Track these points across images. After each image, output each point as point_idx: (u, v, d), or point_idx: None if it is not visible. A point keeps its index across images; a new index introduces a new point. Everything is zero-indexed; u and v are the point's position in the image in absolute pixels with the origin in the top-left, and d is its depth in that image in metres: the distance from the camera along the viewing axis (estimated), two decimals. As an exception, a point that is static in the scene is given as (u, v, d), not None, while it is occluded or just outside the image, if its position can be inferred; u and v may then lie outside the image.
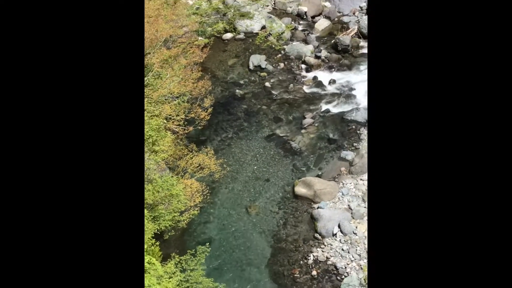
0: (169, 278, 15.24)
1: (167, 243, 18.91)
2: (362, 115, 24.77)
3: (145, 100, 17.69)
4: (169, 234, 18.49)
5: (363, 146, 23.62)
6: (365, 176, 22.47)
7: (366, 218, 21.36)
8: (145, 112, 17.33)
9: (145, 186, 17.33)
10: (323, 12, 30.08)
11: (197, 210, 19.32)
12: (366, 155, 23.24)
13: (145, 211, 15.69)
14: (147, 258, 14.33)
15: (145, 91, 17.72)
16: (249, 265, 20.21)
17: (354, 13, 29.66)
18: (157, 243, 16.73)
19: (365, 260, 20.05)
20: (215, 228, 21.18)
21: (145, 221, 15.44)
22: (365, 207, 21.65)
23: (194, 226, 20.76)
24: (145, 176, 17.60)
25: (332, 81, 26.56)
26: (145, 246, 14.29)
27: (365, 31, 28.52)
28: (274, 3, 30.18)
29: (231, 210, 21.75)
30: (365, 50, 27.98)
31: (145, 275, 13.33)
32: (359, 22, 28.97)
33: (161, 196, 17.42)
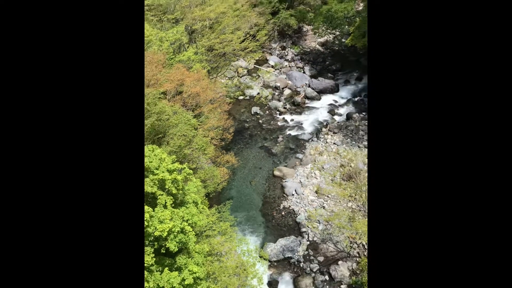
0: (212, 215, 15.13)
1: (211, 199, 18.72)
2: (307, 136, 25.03)
3: (200, 128, 17.76)
4: (212, 194, 18.33)
5: (307, 152, 23.83)
6: (308, 166, 22.70)
7: (308, 185, 21.67)
8: (200, 134, 17.38)
9: (200, 170, 17.47)
10: (287, 86, 29.91)
11: (226, 183, 19.23)
12: (309, 156, 23.51)
13: (200, 183, 15.78)
14: (202, 205, 13.38)
15: (199, 124, 17.73)
16: (251, 210, 20.47)
17: (302, 86, 29.79)
18: (206, 199, 16.56)
19: (308, 206, 20.27)
20: (234, 192, 21.38)
21: (201, 188, 15.46)
22: (307, 181, 21.97)
23: (223, 191, 20.70)
24: (200, 165, 17.75)
25: (291, 120, 26.67)
26: (200, 200, 13.48)
27: (309, 95, 28.53)
28: (263, 82, 30.32)
29: (242, 183, 21.95)
30: (309, 105, 27.98)
31: (200, 215, 12.38)
32: (305, 90, 29.09)
33: (208, 175, 17.63)
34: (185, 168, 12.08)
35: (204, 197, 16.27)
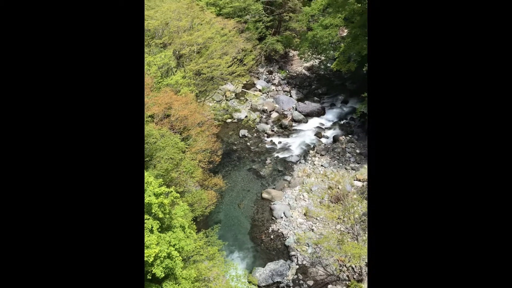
0: (199, 240, 14.86)
1: (199, 223, 18.48)
2: (294, 159, 25.09)
3: (188, 151, 17.58)
4: (199, 218, 18.06)
5: (295, 174, 23.82)
6: (297, 188, 22.60)
7: (297, 208, 21.51)
8: (188, 157, 17.19)
9: (188, 193, 17.20)
10: (275, 109, 30.20)
11: (214, 206, 19.02)
12: (297, 178, 23.47)
13: (187, 206, 15.52)
14: (189, 230, 13.27)
15: (186, 146, 17.57)
16: (239, 233, 20.16)
17: (289, 109, 30.09)
18: (194, 223, 16.28)
19: (297, 229, 20.06)
20: (222, 215, 21.08)
21: (189, 212, 15.19)
22: (296, 203, 21.81)
23: (211, 215, 20.39)
24: (187, 189, 17.49)
25: (279, 142, 26.78)
26: (187, 225, 13.32)
27: (296, 118, 28.82)
28: (251, 105, 30.55)
29: (230, 206, 21.67)
30: (296, 128, 28.21)
31: (187, 240, 12.15)
32: (292, 113, 29.37)
33: (196, 199, 17.36)
34: (172, 191, 11.87)
35: (192, 221, 15.97)
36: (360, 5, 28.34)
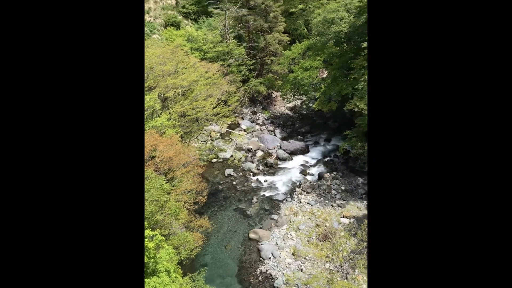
0: (186, 285, 14.43)
1: (184, 267, 17.92)
2: (281, 197, 24.95)
3: (172, 193, 17.30)
4: (185, 261, 17.50)
5: (282, 212, 23.58)
6: (284, 227, 22.27)
7: (285, 247, 21.05)
8: (173, 198, 16.93)
9: (173, 236, 16.73)
10: (260, 148, 30.42)
11: (200, 249, 18.54)
12: (284, 216, 23.19)
13: (173, 249, 15.07)
14: (174, 274, 13.05)
15: (171, 188, 17.32)
16: (226, 276, 19.46)
17: (274, 148, 30.35)
18: (179, 267, 15.80)
19: (286, 270, 19.53)
20: (209, 258, 20.44)
21: (174, 255, 14.74)
22: (284, 243, 21.38)
23: (197, 258, 19.81)
24: (172, 231, 17.03)
25: (265, 180, 26.73)
26: (173, 269, 12.86)
27: (281, 156, 29.02)
28: (236, 145, 30.73)
29: (216, 248, 21.10)
30: (281, 166, 28.33)
31: (173, 285, 11.70)
32: (277, 152, 29.59)
33: (181, 241, 16.90)
34: (157, 234, 11.58)
35: (177, 265, 15.49)
36: (338, 48, 29.79)
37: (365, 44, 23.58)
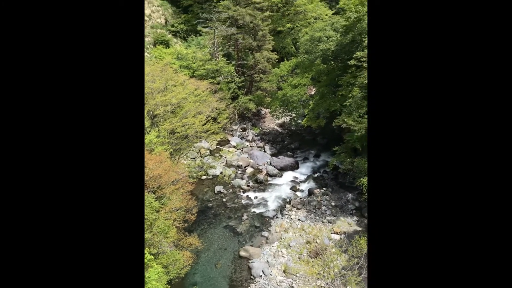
0: None
1: (174, 286, 17.55)
2: (271, 214, 24.79)
3: (161, 211, 17.07)
4: (175, 281, 17.20)
5: (273, 229, 23.38)
6: (275, 244, 22.04)
7: (276, 265, 20.79)
8: (162, 216, 16.68)
9: (162, 255, 16.42)
10: (249, 164, 30.38)
11: (189, 267, 18.25)
12: (274, 233, 22.97)
13: (162, 269, 14.78)
14: None
15: (160, 206, 17.10)
16: (217, 296, 19.13)
17: (264, 164, 30.36)
18: (169, 286, 15.44)
19: (277, 288, 19.23)
20: (199, 276, 20.03)
21: (163, 274, 14.45)
22: (275, 260, 21.14)
23: (187, 276, 19.42)
24: (161, 250, 16.72)
25: (255, 197, 26.59)
26: None
27: (271, 173, 28.98)
28: (226, 161, 30.63)
29: (206, 266, 20.73)
30: (271, 182, 28.25)
31: None
32: (267, 168, 29.57)
33: (170, 260, 16.59)
34: (145, 254, 11.33)
35: (167, 284, 15.15)
36: (325, 65, 30.34)
37: (352, 62, 24.08)
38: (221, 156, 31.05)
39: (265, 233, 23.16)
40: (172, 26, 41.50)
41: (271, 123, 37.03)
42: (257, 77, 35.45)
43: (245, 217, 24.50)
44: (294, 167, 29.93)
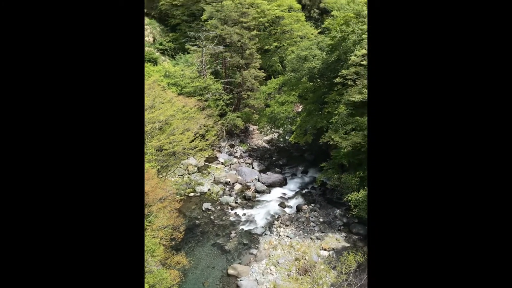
0: None
1: None
2: (260, 230, 24.61)
3: (148, 229, 16.81)
4: (161, 301, 16.68)
5: (261, 246, 23.17)
6: (263, 261, 21.81)
7: (264, 283, 20.51)
8: (149, 235, 16.45)
9: (149, 274, 16.06)
10: (238, 181, 30.31)
11: (177, 287, 17.77)
12: (263, 251, 22.76)
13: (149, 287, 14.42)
14: None
15: (147, 224, 16.84)
16: (205, 316, 18.67)
17: (252, 180, 30.30)
18: None
19: (266, 307, 18.91)
20: (186, 297, 19.70)
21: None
22: (263, 278, 20.87)
23: (175, 297, 19.01)
24: (148, 269, 16.39)
25: (243, 214, 26.43)
26: None
27: (259, 189, 28.93)
28: (214, 178, 30.49)
29: (194, 285, 20.26)
30: (260, 199, 28.16)
31: None
32: (255, 185, 29.52)
33: (157, 279, 16.22)
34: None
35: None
36: (312, 83, 30.90)
37: (337, 80, 24.61)
38: (209, 173, 30.90)
39: (254, 251, 22.93)
40: (160, 44, 41.81)
41: (259, 139, 37.20)
42: (245, 94, 35.77)
43: (233, 234, 24.26)
44: (282, 183, 29.97)
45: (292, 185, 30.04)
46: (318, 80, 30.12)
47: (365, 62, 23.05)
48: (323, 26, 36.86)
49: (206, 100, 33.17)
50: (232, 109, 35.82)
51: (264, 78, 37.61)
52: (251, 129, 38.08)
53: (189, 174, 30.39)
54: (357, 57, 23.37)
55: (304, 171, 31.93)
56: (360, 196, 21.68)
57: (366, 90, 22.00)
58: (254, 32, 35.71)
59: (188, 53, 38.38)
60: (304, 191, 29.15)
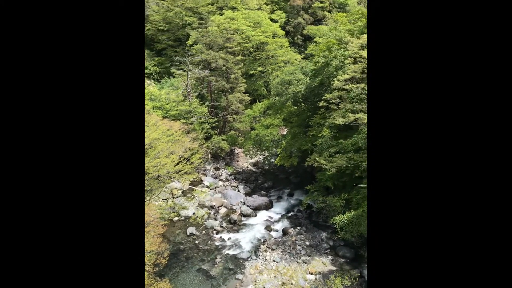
0: None
1: None
2: (245, 255, 24.22)
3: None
4: (143, 331, 16.12)
5: (247, 271, 22.76)
6: (249, 286, 21.36)
7: (250, 310, 19.96)
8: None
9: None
10: (223, 204, 30.04)
11: (159, 316, 17.33)
12: (249, 276, 22.32)
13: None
14: None
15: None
16: None
17: (237, 204, 30.07)
18: None
19: (252, 335, 18.33)
20: (170, 326, 18.97)
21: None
22: (250, 304, 20.33)
23: (158, 326, 18.29)
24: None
25: (229, 238, 26.06)
26: None
27: (245, 212, 28.70)
28: (198, 202, 30.12)
29: (178, 314, 19.75)
30: (245, 222, 27.89)
31: None
32: (240, 208, 29.28)
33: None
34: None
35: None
36: (296, 107, 31.43)
37: (321, 103, 25.12)
38: (194, 197, 30.53)
39: (239, 276, 22.46)
40: (146, 68, 42.03)
41: (245, 162, 37.19)
42: (230, 117, 36.02)
43: (218, 259, 23.78)
44: (268, 206, 29.80)
45: (278, 208, 29.89)
46: (302, 104, 30.68)
47: (347, 87, 23.69)
48: (306, 52, 37.94)
49: (191, 124, 33.22)
50: (218, 132, 35.91)
51: (249, 101, 38.06)
52: (236, 152, 38.10)
53: (173, 198, 29.94)
54: (340, 81, 24.01)
55: (290, 193, 31.91)
56: (345, 218, 21.73)
57: (349, 114, 22.49)
58: (239, 57, 36.40)
59: (174, 77, 38.68)
60: (290, 214, 29.02)
